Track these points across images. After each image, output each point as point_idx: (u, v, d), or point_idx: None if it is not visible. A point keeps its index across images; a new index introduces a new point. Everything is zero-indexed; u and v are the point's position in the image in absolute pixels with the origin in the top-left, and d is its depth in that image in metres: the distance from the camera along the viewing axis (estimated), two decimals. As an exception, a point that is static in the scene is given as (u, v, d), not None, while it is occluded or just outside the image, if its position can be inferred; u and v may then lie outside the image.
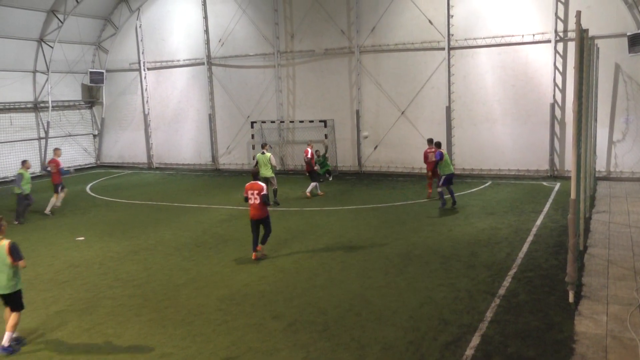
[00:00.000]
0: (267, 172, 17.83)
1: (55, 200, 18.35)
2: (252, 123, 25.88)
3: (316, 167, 20.74)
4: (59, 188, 18.41)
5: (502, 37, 21.25)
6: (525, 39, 20.93)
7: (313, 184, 19.68)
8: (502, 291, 9.81)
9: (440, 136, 22.65)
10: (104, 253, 13.47)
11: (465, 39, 21.95)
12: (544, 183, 20.05)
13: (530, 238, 13.14)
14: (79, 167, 29.42)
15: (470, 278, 10.59)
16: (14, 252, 8.32)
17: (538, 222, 14.53)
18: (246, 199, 12.41)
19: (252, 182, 12.45)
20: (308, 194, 19.41)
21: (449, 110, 22.54)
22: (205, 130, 27.92)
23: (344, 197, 19.46)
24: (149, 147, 29.61)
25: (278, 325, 8.83)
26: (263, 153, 18.24)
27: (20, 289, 8.56)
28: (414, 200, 18.26)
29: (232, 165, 27.45)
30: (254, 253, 12.42)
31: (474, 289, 9.99)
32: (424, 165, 22.95)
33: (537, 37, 20.76)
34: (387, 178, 22.95)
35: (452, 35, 22.12)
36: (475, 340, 7.92)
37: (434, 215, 16.00)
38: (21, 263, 8.36)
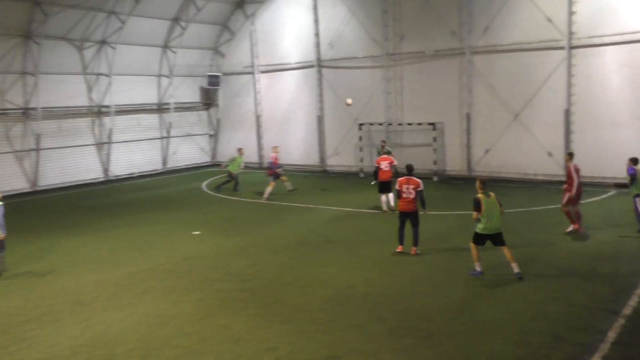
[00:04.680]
0: None
1: (271, 189, 20.52)
2: (360, 125, 25.99)
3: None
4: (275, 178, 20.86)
5: (633, 33, 19.59)
6: (659, 36, 19.22)
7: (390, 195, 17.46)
8: (627, 311, 9.05)
9: (557, 141, 21.48)
10: (217, 248, 14.15)
11: (589, 37, 20.53)
12: (677, 194, 18.26)
13: (659, 253, 12.06)
14: (196, 166, 31.18)
15: (588, 294, 9.91)
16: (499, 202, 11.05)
17: (669, 236, 13.29)
18: (399, 193, 12.80)
19: (407, 177, 12.97)
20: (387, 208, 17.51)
21: (567, 113, 21.24)
22: (314, 132, 28.46)
23: (451, 201, 18.97)
24: (259, 148, 30.70)
25: (381, 328, 8.80)
26: None
27: None
28: (526, 207, 17.39)
29: (340, 167, 27.74)
30: (400, 247, 12.91)
31: (593, 306, 9.33)
32: (538, 171, 22.06)
33: (673, 34, 18.97)
34: (497, 184, 21.95)
35: (574, 33, 20.80)
36: (594, 361, 7.41)
37: (548, 224, 15.13)
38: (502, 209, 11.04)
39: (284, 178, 21.45)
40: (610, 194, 18.91)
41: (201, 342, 8.61)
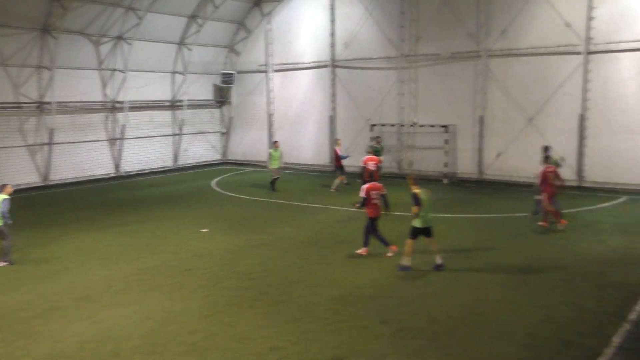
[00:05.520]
0: None
1: (339, 181, 22.06)
2: (372, 126, 25.92)
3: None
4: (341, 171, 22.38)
5: (651, 40, 19.39)
6: (678, 42, 18.94)
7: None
8: (633, 316, 8.99)
9: (571, 146, 21.29)
10: (225, 245, 14.17)
11: (607, 43, 20.31)
12: (692, 202, 18.04)
13: (671, 262, 11.89)
14: (207, 163, 31.28)
15: (597, 299, 9.81)
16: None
17: (682, 245, 13.11)
18: (368, 200, 12.70)
19: (372, 183, 12.96)
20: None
21: (582, 118, 21.02)
22: (326, 132, 28.42)
23: (462, 205, 18.88)
24: (271, 146, 30.67)
25: (386, 330, 8.76)
26: None
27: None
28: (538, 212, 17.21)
29: (350, 168, 27.61)
30: (393, 246, 12.88)
31: (600, 311, 9.25)
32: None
33: (693, 40, 18.70)
34: (509, 187, 21.90)
35: (592, 38, 20.58)
36: (600, 368, 7.33)
37: (558, 229, 14.98)
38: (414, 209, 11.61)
39: (341, 177, 22.23)
40: (621, 200, 18.67)
41: (206, 339, 8.62)
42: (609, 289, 10.33)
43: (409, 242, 11.76)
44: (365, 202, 12.75)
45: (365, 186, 12.89)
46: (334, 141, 23.61)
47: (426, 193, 11.74)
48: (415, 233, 11.74)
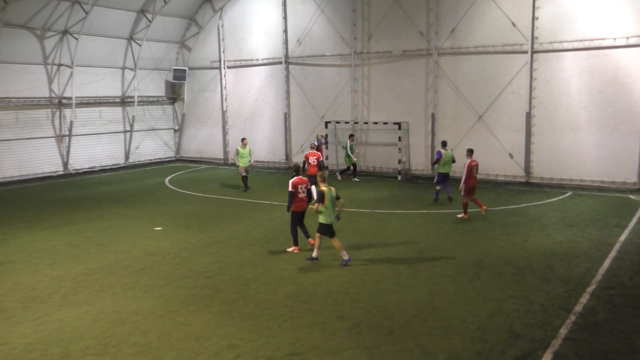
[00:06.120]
0: None
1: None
2: (327, 123, 26.03)
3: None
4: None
5: (591, 40, 20.20)
6: (618, 43, 19.78)
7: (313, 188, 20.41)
8: (578, 308, 9.36)
9: (518, 143, 21.97)
10: (179, 244, 13.97)
11: (551, 42, 21.05)
12: (631, 196, 18.90)
13: (612, 254, 12.44)
14: (159, 161, 30.71)
15: (545, 292, 10.17)
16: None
17: (622, 238, 13.73)
18: (295, 194, 12.86)
19: (299, 177, 13.15)
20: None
21: (529, 116, 21.72)
22: (280, 129, 28.38)
23: (415, 200, 19.20)
24: (225, 144, 30.44)
25: (343, 326, 8.84)
26: None
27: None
28: (488, 207, 17.68)
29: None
30: (296, 248, 13.12)
31: (548, 304, 9.59)
32: (500, 172, 22.47)
33: (632, 41, 19.53)
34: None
35: (537, 38, 21.28)
36: (547, 358, 7.61)
37: (508, 224, 15.46)
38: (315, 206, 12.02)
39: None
40: (566, 195, 19.41)
41: (160, 339, 8.48)
42: (555, 282, 10.72)
43: (317, 236, 12.22)
44: (293, 196, 12.79)
45: (292, 180, 12.96)
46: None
47: (332, 191, 12.01)
48: (324, 229, 12.05)
